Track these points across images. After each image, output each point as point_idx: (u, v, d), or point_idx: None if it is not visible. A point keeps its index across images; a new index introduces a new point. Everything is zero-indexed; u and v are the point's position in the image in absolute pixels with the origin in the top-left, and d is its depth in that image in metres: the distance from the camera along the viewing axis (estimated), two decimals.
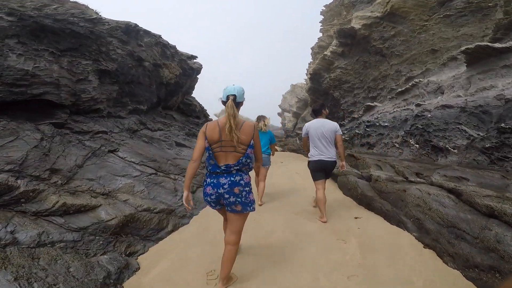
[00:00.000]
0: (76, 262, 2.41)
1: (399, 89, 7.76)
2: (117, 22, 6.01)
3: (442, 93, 6.17)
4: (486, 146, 4.31)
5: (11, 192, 2.73)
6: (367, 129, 8.17)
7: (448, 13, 7.24)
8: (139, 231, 3.33)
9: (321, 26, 16.20)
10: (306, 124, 4.13)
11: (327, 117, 4.14)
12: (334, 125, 3.92)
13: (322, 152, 3.88)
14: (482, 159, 4.37)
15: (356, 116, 9.75)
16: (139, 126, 6.27)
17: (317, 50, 15.62)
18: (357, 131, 8.81)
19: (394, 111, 7.32)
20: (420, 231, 3.39)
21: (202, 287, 2.53)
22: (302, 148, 4.35)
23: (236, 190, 2.15)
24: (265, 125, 4.82)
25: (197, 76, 11.39)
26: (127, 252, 3.00)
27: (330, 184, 6.39)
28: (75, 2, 6.60)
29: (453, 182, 3.60)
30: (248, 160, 2.21)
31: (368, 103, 9.12)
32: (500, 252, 2.40)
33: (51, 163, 3.28)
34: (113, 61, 5.52)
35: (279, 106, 42.36)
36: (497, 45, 4.85)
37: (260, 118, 4.95)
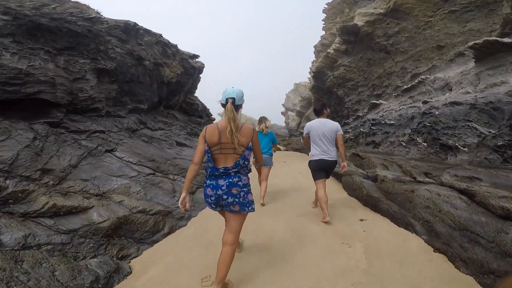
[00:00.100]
0: (63, 265, 2.29)
1: (405, 86, 7.57)
2: (116, 21, 5.92)
3: (450, 90, 5.97)
4: (499, 144, 4.10)
5: None
6: (372, 127, 7.97)
7: (453, 8, 7.06)
8: (133, 233, 3.20)
9: (323, 24, 16.02)
10: (307, 123, 4.12)
11: (328, 117, 4.13)
12: (335, 124, 3.92)
13: (323, 151, 3.86)
14: (494, 157, 4.15)
15: (360, 114, 9.56)
16: (139, 125, 6.17)
17: (320, 48, 15.42)
18: (362, 130, 8.61)
19: (400, 109, 7.12)
20: (429, 234, 3.22)
21: None
22: (305, 146, 4.28)
23: (234, 190, 2.17)
24: (266, 127, 4.92)
25: (200, 76, 11.30)
26: (119, 256, 2.87)
27: (334, 184, 6.23)
28: (77, 2, 6.54)
29: (465, 183, 3.41)
30: (246, 162, 2.24)
31: (373, 101, 8.92)
32: None
33: (43, 163, 3.17)
34: (112, 60, 5.43)
35: (283, 105, 42.21)
36: (506, 40, 4.66)
37: (262, 120, 5.03)
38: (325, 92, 12.86)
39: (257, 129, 5.07)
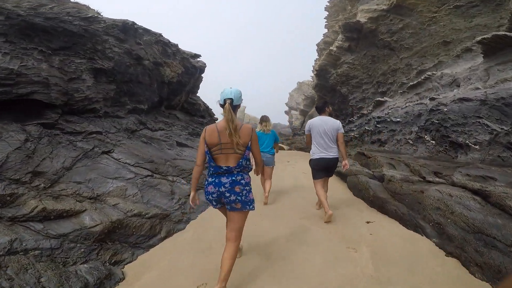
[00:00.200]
0: (50, 271, 2.17)
1: (411, 83, 7.38)
2: (113, 20, 5.83)
3: (458, 86, 5.77)
4: None
5: None
6: (377, 125, 7.76)
7: (458, 3, 6.89)
8: (128, 238, 3.06)
9: (325, 22, 15.83)
10: (309, 121, 4.08)
11: (331, 115, 4.10)
12: (336, 123, 3.90)
13: (324, 149, 3.84)
14: (507, 155, 3.95)
15: (365, 112, 9.35)
16: (138, 126, 6.06)
17: (322, 46, 15.23)
18: (367, 128, 8.40)
19: (406, 106, 6.91)
20: (441, 237, 3.04)
21: None
22: (306, 145, 4.19)
23: (237, 188, 2.20)
24: (267, 127, 4.91)
25: (202, 75, 11.18)
26: (112, 261, 2.74)
27: (339, 184, 6.05)
28: (76, 3, 6.46)
29: (478, 182, 3.21)
30: (247, 162, 2.29)
31: (377, 98, 8.73)
32: None
33: (34, 165, 3.05)
34: (110, 59, 5.32)
35: (286, 104, 41.99)
36: None
37: (263, 119, 5.02)
38: (328, 90, 12.66)
39: (258, 128, 5.06)
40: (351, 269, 2.67)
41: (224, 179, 2.19)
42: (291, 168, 8.35)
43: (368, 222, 3.80)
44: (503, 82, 4.55)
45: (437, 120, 5.30)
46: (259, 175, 4.97)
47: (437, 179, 3.79)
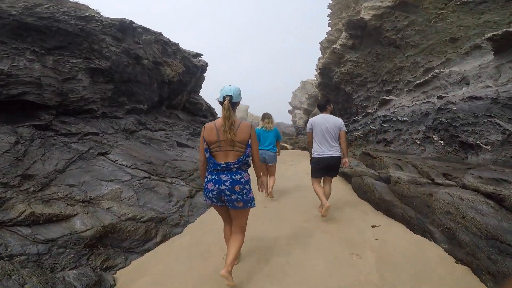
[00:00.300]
0: (35, 278, 2.05)
1: (417, 81, 7.16)
2: (111, 19, 5.73)
3: (468, 84, 5.56)
4: None
5: None
6: (383, 124, 7.55)
7: (465, 0, 6.61)
8: (121, 242, 2.94)
9: (329, 20, 15.63)
10: (310, 119, 4.06)
11: (332, 113, 4.10)
12: (338, 120, 3.89)
13: (326, 148, 3.81)
14: None
15: (370, 111, 9.13)
16: (137, 126, 5.95)
17: (326, 45, 15.01)
18: (372, 127, 8.19)
19: (412, 105, 6.70)
20: (450, 242, 2.88)
21: None
22: (307, 145, 4.25)
23: (237, 188, 2.22)
24: (269, 124, 4.90)
25: (204, 75, 11.06)
26: (104, 266, 2.62)
27: (343, 186, 5.88)
28: (75, 2, 6.38)
29: (491, 185, 3.03)
30: (248, 159, 2.31)
31: (383, 97, 8.50)
32: None
33: (24, 168, 2.94)
34: (107, 59, 5.21)
35: (289, 103, 41.77)
36: None
37: (265, 116, 4.99)
38: (332, 89, 12.46)
39: (260, 125, 5.05)
40: (355, 276, 2.54)
41: (223, 177, 2.21)
42: (294, 168, 8.18)
43: (373, 226, 3.64)
44: None
45: (446, 120, 5.09)
46: (267, 173, 4.99)
47: (446, 181, 3.60)
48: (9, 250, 2.25)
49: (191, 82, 9.80)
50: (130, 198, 3.50)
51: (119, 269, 2.74)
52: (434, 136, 5.36)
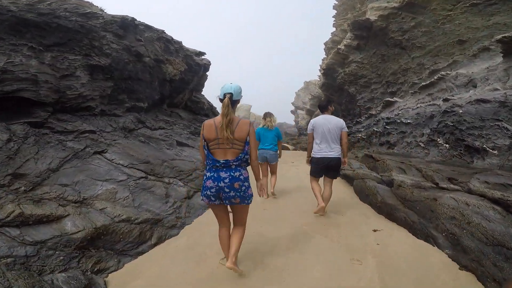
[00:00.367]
0: (21, 280, 1.97)
1: (423, 83, 7.02)
2: (112, 16, 5.67)
3: (475, 87, 5.42)
4: None
5: None
6: (386, 126, 7.42)
7: (474, 1, 6.49)
8: (114, 244, 2.86)
9: (334, 20, 15.49)
10: (312, 120, 4.07)
11: (333, 114, 4.10)
12: (340, 121, 3.89)
13: (326, 148, 3.81)
14: None
15: (373, 112, 9.00)
16: (136, 124, 5.88)
17: (330, 45, 14.86)
18: (375, 129, 8.06)
19: (417, 107, 6.56)
20: (455, 248, 2.80)
21: None
22: (307, 146, 4.22)
23: (236, 185, 2.23)
24: (271, 122, 4.91)
25: (206, 73, 10.98)
26: (95, 269, 2.54)
27: (345, 188, 5.78)
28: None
29: (498, 191, 2.92)
30: (247, 156, 2.31)
31: (387, 99, 8.36)
32: None
33: (15, 167, 2.87)
34: (107, 56, 5.15)
35: (292, 103, 41.63)
36: None
37: (266, 115, 5.00)
38: (335, 90, 12.32)
39: (262, 124, 5.05)
40: (355, 282, 2.47)
41: (223, 174, 2.22)
42: (295, 169, 8.09)
43: (375, 230, 3.55)
44: None
45: (452, 123, 4.96)
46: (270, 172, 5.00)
47: (451, 185, 3.49)
48: None
49: (193, 81, 9.73)
50: (125, 199, 3.42)
51: (111, 272, 2.66)
52: (439, 140, 5.23)
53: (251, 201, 2.39)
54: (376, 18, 8.86)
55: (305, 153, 4.38)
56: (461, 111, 4.87)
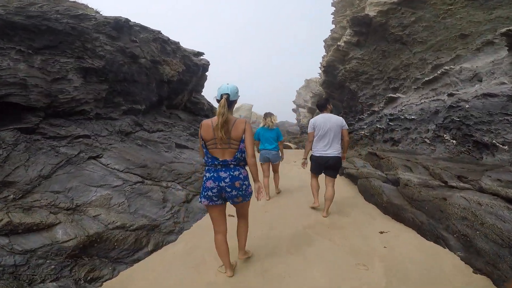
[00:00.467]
0: None
1: (426, 78, 6.84)
2: (105, 17, 5.54)
3: (480, 81, 5.25)
4: None
5: None
6: (390, 123, 7.25)
7: None
8: (109, 252, 2.73)
9: (333, 18, 15.34)
10: (311, 119, 4.05)
11: (332, 112, 4.09)
12: (340, 119, 3.89)
13: (326, 147, 3.82)
14: None
15: (376, 109, 8.83)
16: (134, 127, 5.75)
17: (330, 43, 14.70)
18: (378, 126, 7.88)
19: (421, 103, 6.39)
20: (467, 250, 2.65)
21: None
22: (306, 145, 4.22)
23: (237, 184, 2.28)
24: (271, 121, 4.91)
25: (206, 74, 10.84)
26: (88, 278, 2.42)
27: (349, 188, 5.63)
28: (74, 1, 6.22)
29: None
30: (243, 155, 2.33)
31: (389, 95, 8.19)
32: None
33: (4, 175, 2.75)
34: (100, 58, 5.02)
35: (294, 102, 41.47)
36: None
37: (267, 115, 5.00)
38: (336, 87, 12.15)
39: (262, 124, 5.04)
40: None
41: (222, 174, 2.25)
42: (297, 169, 7.94)
43: (381, 232, 3.41)
44: None
45: (458, 118, 4.79)
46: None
47: (461, 184, 3.32)
48: None
49: (192, 81, 9.58)
50: (120, 205, 3.29)
51: (105, 281, 2.55)
52: (445, 135, 5.06)
53: (250, 197, 2.46)
54: (376, 14, 8.71)
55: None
56: (467, 106, 4.71)
